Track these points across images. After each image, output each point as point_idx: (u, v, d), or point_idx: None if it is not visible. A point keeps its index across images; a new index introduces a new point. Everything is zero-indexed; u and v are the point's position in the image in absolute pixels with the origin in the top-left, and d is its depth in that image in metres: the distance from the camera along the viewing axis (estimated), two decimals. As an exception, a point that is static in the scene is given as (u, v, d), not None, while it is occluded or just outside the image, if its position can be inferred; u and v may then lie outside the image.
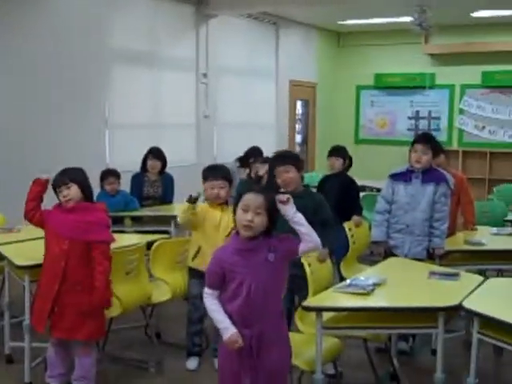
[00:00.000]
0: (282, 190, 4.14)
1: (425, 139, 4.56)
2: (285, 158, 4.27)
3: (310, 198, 4.12)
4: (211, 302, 2.88)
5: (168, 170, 6.47)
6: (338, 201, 5.29)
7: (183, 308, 4.45)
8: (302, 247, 2.84)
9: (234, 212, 2.87)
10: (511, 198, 7.79)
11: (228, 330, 2.79)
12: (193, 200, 4.04)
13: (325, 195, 5.16)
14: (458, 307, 3.20)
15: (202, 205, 4.18)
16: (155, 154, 6.36)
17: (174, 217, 5.73)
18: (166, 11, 8.64)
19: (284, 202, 2.80)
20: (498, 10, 9.85)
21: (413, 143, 4.55)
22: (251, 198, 2.79)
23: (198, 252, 4.18)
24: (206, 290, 2.90)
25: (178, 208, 5.83)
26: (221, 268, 2.83)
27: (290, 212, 2.81)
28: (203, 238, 4.16)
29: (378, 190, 7.14)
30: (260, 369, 2.81)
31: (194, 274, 4.20)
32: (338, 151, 5.77)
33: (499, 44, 10.93)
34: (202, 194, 4.17)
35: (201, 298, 4.09)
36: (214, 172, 4.24)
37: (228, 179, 4.23)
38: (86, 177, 3.77)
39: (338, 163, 5.69)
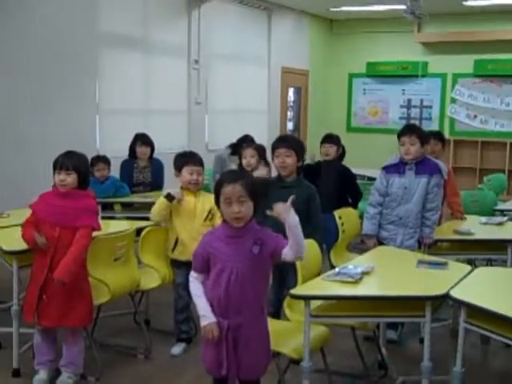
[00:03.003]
0: (280, 172, 4.15)
1: (409, 130, 4.56)
2: (289, 141, 4.27)
3: (303, 188, 4.11)
4: (195, 286, 2.90)
5: (159, 156, 6.45)
6: (337, 188, 5.38)
7: (172, 295, 4.45)
8: (285, 252, 2.79)
9: (216, 202, 2.86)
10: (501, 187, 7.84)
11: (206, 318, 2.80)
12: (171, 198, 4.08)
13: (321, 182, 5.26)
14: (446, 296, 3.21)
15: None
16: (144, 140, 6.34)
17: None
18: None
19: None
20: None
21: (399, 137, 4.55)
22: (230, 190, 2.75)
23: (176, 243, 4.21)
24: (192, 274, 2.92)
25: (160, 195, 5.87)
26: (206, 252, 2.84)
27: (288, 218, 2.73)
28: (180, 227, 4.21)
29: (370, 179, 7.16)
30: (237, 362, 2.81)
31: (177, 265, 4.25)
32: (332, 138, 5.85)
33: (491, 33, 10.92)
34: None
35: (184, 287, 4.16)
36: (193, 158, 4.29)
37: (203, 166, 4.31)
38: (87, 167, 3.80)
39: (331, 150, 5.77)
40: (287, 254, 2.79)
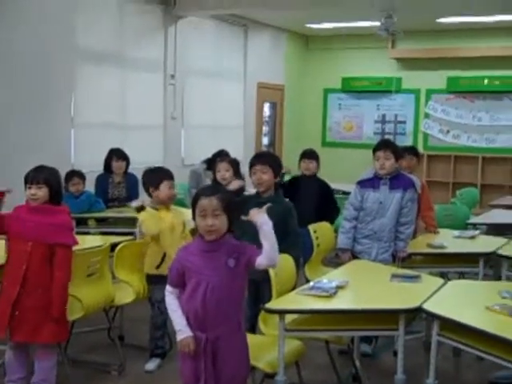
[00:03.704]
0: (255, 189, 4.19)
1: (384, 145, 4.63)
2: (265, 158, 4.31)
3: (280, 204, 4.14)
4: (171, 300, 2.92)
5: (134, 171, 6.44)
6: (317, 203, 5.44)
7: (147, 310, 4.43)
8: (259, 261, 2.82)
9: (193, 215, 2.88)
10: (474, 201, 7.94)
11: (182, 332, 2.82)
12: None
13: (301, 197, 5.33)
14: (419, 309, 3.24)
15: (150, 211, 4.21)
16: (119, 154, 6.33)
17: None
18: (134, 11, 8.60)
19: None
20: (463, 17, 10.00)
21: (374, 151, 4.61)
22: (206, 203, 2.79)
23: (163, 259, 4.20)
24: (167, 288, 2.94)
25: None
26: (182, 266, 2.86)
27: (261, 219, 2.82)
28: (166, 243, 4.20)
29: (344, 193, 7.20)
30: (215, 376, 2.81)
31: (159, 281, 4.20)
32: (312, 154, 5.92)
33: (464, 50, 11.10)
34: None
35: (164, 302, 4.13)
36: (168, 172, 4.32)
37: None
38: (59, 180, 3.77)
39: (312, 166, 5.84)
40: (261, 262, 2.82)
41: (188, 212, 4.56)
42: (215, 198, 2.80)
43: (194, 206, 2.85)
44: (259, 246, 2.84)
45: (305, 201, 5.44)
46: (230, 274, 2.81)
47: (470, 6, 9.17)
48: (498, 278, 4.79)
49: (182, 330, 2.83)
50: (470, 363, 4.37)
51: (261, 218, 2.83)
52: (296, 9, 9.26)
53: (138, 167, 6.58)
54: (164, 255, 4.21)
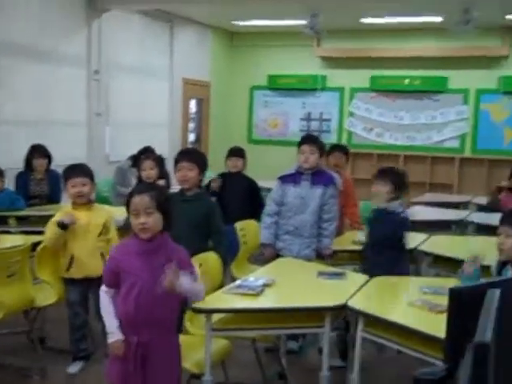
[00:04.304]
0: (179, 185, 4.14)
1: (310, 140, 4.66)
2: (191, 155, 4.27)
3: (203, 202, 4.11)
4: (105, 301, 2.86)
5: (58, 168, 6.25)
6: (244, 200, 5.45)
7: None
8: None
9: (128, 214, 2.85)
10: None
11: (113, 335, 2.77)
12: (64, 226, 3.95)
13: (228, 194, 5.33)
14: (344, 306, 3.29)
15: (66, 209, 4.09)
16: (41, 151, 6.16)
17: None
18: (56, 4, 8.35)
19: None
20: (386, 18, 10.22)
21: (299, 145, 4.63)
22: (138, 201, 2.76)
23: (71, 262, 4.07)
24: (103, 288, 2.88)
25: (59, 208, 5.70)
26: (116, 266, 2.80)
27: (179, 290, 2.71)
28: (74, 245, 4.06)
29: (269, 190, 7.23)
30: (144, 379, 2.77)
31: (71, 283, 4.11)
32: (240, 152, 5.92)
33: (387, 50, 11.35)
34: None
35: (80, 304, 4.05)
36: (74, 170, 4.18)
37: (90, 176, 4.18)
38: None
39: (239, 163, 5.84)
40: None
41: (114, 210, 4.49)
42: (147, 195, 2.77)
43: (128, 204, 2.80)
44: (194, 248, 2.82)
45: (231, 198, 5.45)
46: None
47: (393, 8, 9.39)
48: (418, 274, 4.92)
49: (113, 332, 2.79)
50: (393, 357, 4.46)
51: (177, 289, 2.69)
52: (221, 5, 9.24)
53: (61, 164, 6.40)
54: (72, 258, 4.07)
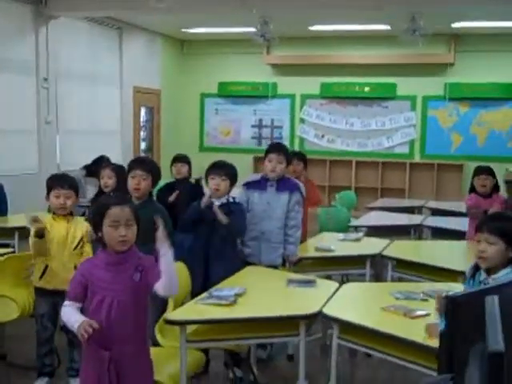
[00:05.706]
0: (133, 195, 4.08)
1: (278, 149, 4.65)
2: (146, 165, 4.22)
3: (148, 209, 4.03)
4: (69, 308, 2.69)
5: (6, 179, 6.07)
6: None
7: (32, 327, 4.18)
8: (157, 287, 2.69)
9: (94, 225, 2.75)
10: (352, 204, 8.20)
11: (78, 321, 2.60)
12: (40, 234, 3.83)
13: (178, 202, 5.25)
14: (319, 314, 3.28)
15: (45, 218, 3.97)
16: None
17: (15, 229, 5.44)
18: (3, 11, 8.13)
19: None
20: (333, 25, 10.34)
21: (266, 153, 4.62)
22: (118, 212, 2.68)
23: (45, 271, 3.96)
24: (66, 302, 2.74)
25: (17, 219, 5.54)
26: (85, 279, 2.70)
27: (163, 249, 2.67)
28: (50, 254, 3.94)
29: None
30: None
31: (42, 293, 3.99)
32: (184, 158, 5.97)
33: (336, 57, 11.48)
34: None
35: (48, 317, 3.93)
36: (60, 181, 4.04)
37: (75, 189, 4.06)
38: None
39: (184, 169, 5.86)
40: (158, 289, 2.70)
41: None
42: (127, 207, 2.71)
43: (101, 215, 2.70)
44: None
45: (180, 204, 5.37)
46: (135, 288, 2.70)
47: (340, 16, 9.52)
48: (381, 279, 4.97)
49: (78, 320, 2.61)
50: (368, 363, 4.45)
51: (163, 248, 2.67)
52: (170, 13, 9.15)
53: (9, 175, 6.21)
54: (46, 267, 3.96)
